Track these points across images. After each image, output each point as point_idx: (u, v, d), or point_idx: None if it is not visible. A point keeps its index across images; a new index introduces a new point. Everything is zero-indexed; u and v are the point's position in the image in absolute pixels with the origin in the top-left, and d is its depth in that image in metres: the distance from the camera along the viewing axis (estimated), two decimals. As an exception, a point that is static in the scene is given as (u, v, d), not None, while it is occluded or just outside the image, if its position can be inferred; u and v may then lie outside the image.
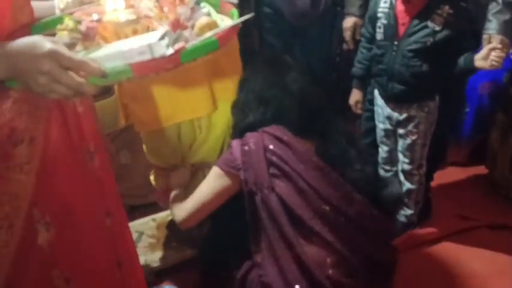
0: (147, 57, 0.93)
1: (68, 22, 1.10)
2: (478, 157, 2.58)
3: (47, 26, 1.21)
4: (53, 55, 0.86)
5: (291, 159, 1.38)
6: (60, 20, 1.22)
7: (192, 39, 1.04)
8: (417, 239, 2.09)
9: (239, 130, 1.50)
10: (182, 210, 1.50)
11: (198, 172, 1.93)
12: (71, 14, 1.24)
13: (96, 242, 1.21)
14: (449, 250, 2.05)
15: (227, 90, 1.66)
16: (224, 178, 1.43)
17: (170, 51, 0.93)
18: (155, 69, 0.96)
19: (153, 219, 2.20)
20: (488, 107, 2.51)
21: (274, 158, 1.38)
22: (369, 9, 1.98)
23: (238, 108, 1.55)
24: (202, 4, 1.24)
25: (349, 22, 2.17)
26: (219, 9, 1.26)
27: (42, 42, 0.87)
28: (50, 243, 1.09)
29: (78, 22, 1.10)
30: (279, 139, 1.41)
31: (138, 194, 2.32)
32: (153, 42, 0.93)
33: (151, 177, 2.13)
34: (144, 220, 2.20)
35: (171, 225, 2.19)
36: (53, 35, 1.16)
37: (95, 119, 1.38)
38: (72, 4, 1.31)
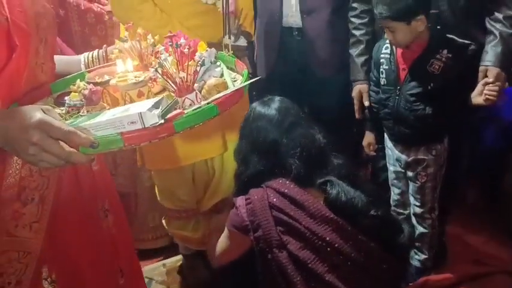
0: (138, 126, 0.90)
1: (80, 83, 1.14)
2: (493, 199, 2.54)
3: (68, 83, 1.23)
4: (42, 126, 0.87)
5: (298, 215, 1.36)
6: (81, 77, 1.26)
7: (198, 102, 1.03)
8: (432, 285, 2.04)
9: (241, 182, 1.51)
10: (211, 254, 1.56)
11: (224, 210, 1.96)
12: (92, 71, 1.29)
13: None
14: (466, 296, 1.99)
15: (238, 131, 1.67)
16: (235, 239, 1.45)
17: (161, 121, 0.91)
18: (147, 138, 0.92)
19: (164, 265, 2.20)
20: (501, 146, 2.49)
21: (281, 216, 1.37)
22: (372, 54, 2.01)
23: (240, 157, 1.55)
24: (218, 63, 1.22)
25: (355, 90, 2.10)
26: (234, 67, 1.25)
27: (32, 112, 0.88)
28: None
29: (88, 84, 1.14)
30: (283, 194, 1.39)
31: (144, 238, 2.33)
32: (143, 112, 0.90)
33: (164, 221, 2.14)
34: (154, 266, 2.19)
35: (181, 270, 2.18)
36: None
37: (110, 177, 1.41)
38: (97, 61, 1.38)
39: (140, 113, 0.89)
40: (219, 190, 2.06)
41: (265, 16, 2.23)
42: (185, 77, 1.05)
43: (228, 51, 1.40)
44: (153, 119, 0.90)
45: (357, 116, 2.13)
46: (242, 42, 1.93)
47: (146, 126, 0.90)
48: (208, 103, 1.00)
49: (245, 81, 1.12)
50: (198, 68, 1.09)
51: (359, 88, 2.09)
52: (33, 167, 1.07)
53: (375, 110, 2.03)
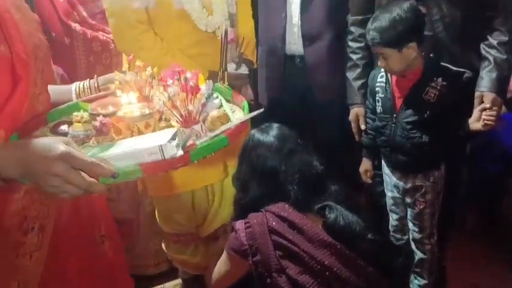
0: (157, 157, 0.95)
1: (83, 114, 1.17)
2: (492, 222, 2.54)
3: (63, 113, 1.27)
4: (65, 157, 0.90)
5: (297, 239, 1.37)
6: (75, 107, 1.29)
7: (204, 133, 1.09)
8: (433, 311, 2.04)
9: (240, 208, 1.53)
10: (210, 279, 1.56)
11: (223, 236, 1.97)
12: (87, 101, 1.32)
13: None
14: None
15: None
16: (234, 263, 1.46)
17: (180, 152, 0.97)
18: (165, 168, 0.98)
19: (163, 288, 2.20)
20: (499, 170, 2.50)
21: (280, 240, 1.38)
22: (368, 82, 2.04)
23: (238, 183, 1.57)
24: (215, 94, 1.28)
25: (352, 114, 2.13)
26: (231, 99, 1.30)
27: (55, 145, 0.91)
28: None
29: (93, 115, 1.17)
30: (283, 218, 1.41)
31: (146, 264, 2.33)
32: (164, 144, 0.95)
33: (163, 245, 2.15)
34: (154, 289, 2.18)
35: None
36: (69, 122, 1.21)
37: (106, 202, 1.43)
38: (89, 90, 1.41)
39: (161, 145, 0.95)
40: (219, 216, 2.07)
41: (268, 44, 2.27)
42: (192, 109, 1.10)
43: (224, 83, 1.44)
44: (173, 150, 0.96)
45: (356, 138, 2.15)
46: (244, 70, 1.95)
47: (166, 157, 0.95)
48: (217, 134, 1.07)
49: (246, 112, 1.19)
50: (204, 101, 1.14)
51: (356, 111, 2.12)
52: (35, 195, 1.10)
53: (371, 137, 2.06)
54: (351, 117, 2.14)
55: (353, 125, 2.14)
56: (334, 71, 2.21)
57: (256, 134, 1.56)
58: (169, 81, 1.20)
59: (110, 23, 1.85)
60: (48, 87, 1.23)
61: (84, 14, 2.08)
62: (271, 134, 1.54)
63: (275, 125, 1.57)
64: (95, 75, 1.42)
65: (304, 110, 2.32)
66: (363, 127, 2.09)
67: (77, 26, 2.06)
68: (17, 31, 1.10)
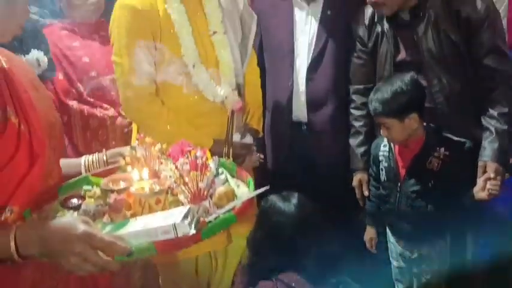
0: (171, 236, 0.98)
1: (96, 190, 1.19)
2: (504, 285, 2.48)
3: (73, 186, 1.29)
4: (86, 237, 0.94)
5: None
6: (85, 180, 1.31)
7: (212, 209, 1.11)
8: None
9: (252, 272, 1.52)
10: None
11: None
12: (95, 175, 1.35)
13: None
14: None
15: (242, 226, 1.69)
16: None
17: (193, 231, 0.99)
18: (177, 246, 1.02)
19: None
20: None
21: None
22: (371, 151, 2.08)
23: (253, 246, 1.57)
24: (220, 170, 1.30)
25: (355, 180, 2.15)
26: (235, 174, 1.32)
27: (75, 225, 0.95)
28: None
29: (106, 192, 1.19)
30: None
31: None
32: (177, 223, 0.98)
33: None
34: None
35: None
36: (79, 196, 1.23)
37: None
38: (97, 164, 1.43)
39: (174, 223, 0.98)
40: (223, 283, 2.04)
41: (275, 111, 2.32)
42: (202, 186, 1.13)
43: (229, 158, 1.48)
44: (186, 229, 0.99)
45: (361, 204, 2.16)
46: (248, 139, 1.99)
47: (179, 235, 0.98)
48: (226, 211, 1.10)
49: (251, 188, 1.20)
50: (213, 178, 1.17)
51: (359, 177, 2.14)
52: (45, 271, 1.11)
53: (375, 204, 2.07)
54: (355, 183, 2.16)
55: (357, 191, 2.16)
56: (338, 137, 2.26)
57: (278, 202, 1.57)
58: (180, 160, 1.23)
59: (119, 92, 1.90)
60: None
61: (82, 90, 2.10)
62: (292, 202, 1.55)
63: (296, 194, 1.59)
64: (104, 149, 1.45)
65: (310, 176, 2.34)
66: (366, 193, 2.11)
67: (74, 104, 2.08)
68: (35, 111, 1.15)
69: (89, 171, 1.39)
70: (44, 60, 1.66)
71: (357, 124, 2.17)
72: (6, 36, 1.13)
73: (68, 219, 0.99)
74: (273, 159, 2.40)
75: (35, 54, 1.62)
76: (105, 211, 1.14)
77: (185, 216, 1.01)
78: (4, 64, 1.16)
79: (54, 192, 1.25)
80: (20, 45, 1.58)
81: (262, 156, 2.13)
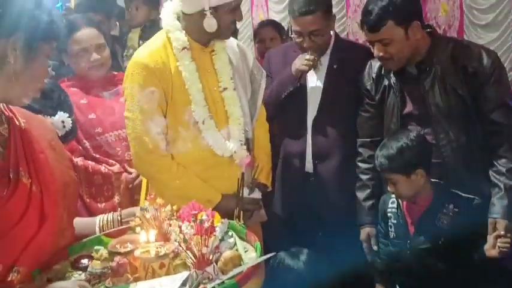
0: None
1: (103, 252, 1.20)
2: None
3: (84, 246, 1.30)
4: None
5: None
6: (96, 241, 1.32)
7: (216, 274, 1.10)
8: None
9: None
10: None
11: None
12: (108, 235, 1.36)
13: None
14: None
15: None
16: None
17: None
18: None
19: None
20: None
21: None
22: (379, 207, 2.06)
23: None
24: (230, 233, 1.30)
25: (363, 234, 2.13)
26: (245, 237, 1.32)
27: None
28: None
29: (113, 254, 1.20)
30: None
31: None
32: None
33: None
34: None
35: None
36: (90, 256, 1.24)
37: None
38: (112, 224, 1.45)
39: None
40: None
41: (287, 162, 2.35)
42: (206, 252, 1.12)
43: (239, 220, 1.48)
44: None
45: (369, 258, 2.13)
46: (257, 194, 1.99)
47: None
48: (229, 278, 1.09)
49: (259, 253, 1.20)
50: (218, 243, 1.16)
51: (367, 231, 2.12)
52: None
53: (384, 262, 2.04)
54: (363, 237, 2.13)
55: (365, 245, 2.13)
56: (344, 189, 2.26)
57: (286, 259, 1.56)
58: (186, 223, 1.23)
59: (131, 147, 1.93)
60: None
61: (88, 147, 2.13)
62: (301, 259, 1.55)
63: (305, 251, 1.58)
64: (119, 209, 1.47)
65: (318, 227, 2.33)
66: (375, 248, 2.08)
67: (79, 161, 2.09)
68: (50, 171, 1.17)
69: (103, 230, 1.40)
70: (69, 122, 1.71)
71: (364, 177, 2.17)
72: (27, 97, 1.16)
73: (64, 283, 1.01)
74: (282, 209, 2.40)
75: (61, 116, 1.68)
76: (109, 274, 1.15)
77: (183, 284, 1.02)
78: (23, 125, 1.19)
79: (65, 252, 1.26)
80: (45, 105, 1.63)
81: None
